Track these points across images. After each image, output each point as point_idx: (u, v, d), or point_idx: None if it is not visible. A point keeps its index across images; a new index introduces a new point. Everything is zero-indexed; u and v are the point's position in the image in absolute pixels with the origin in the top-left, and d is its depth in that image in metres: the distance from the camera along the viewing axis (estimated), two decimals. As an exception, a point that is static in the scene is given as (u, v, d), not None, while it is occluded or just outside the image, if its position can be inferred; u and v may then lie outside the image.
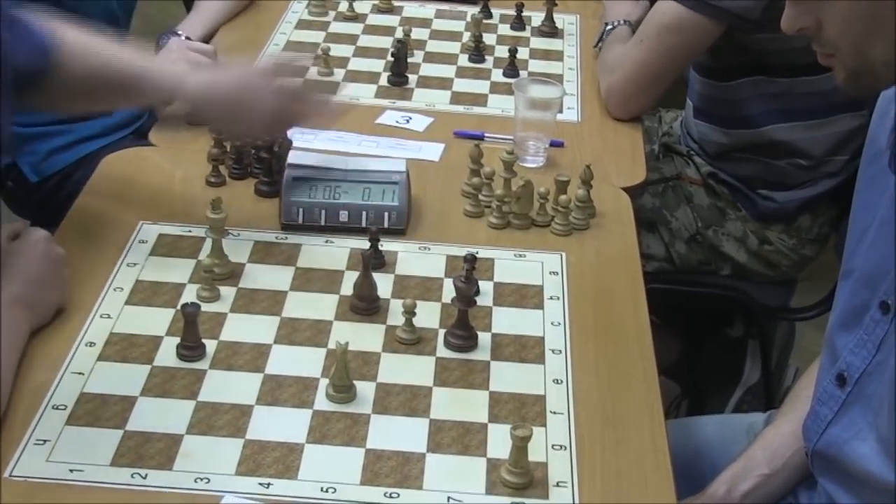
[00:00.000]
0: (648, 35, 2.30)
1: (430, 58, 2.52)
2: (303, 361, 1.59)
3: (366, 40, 2.56)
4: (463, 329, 1.64)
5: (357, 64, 2.47)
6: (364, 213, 1.86)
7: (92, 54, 1.75)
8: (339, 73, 2.42)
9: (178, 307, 1.65)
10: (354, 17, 2.64)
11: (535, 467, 1.43)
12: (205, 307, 1.67)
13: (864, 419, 1.49)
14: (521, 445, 1.40)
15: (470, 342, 1.64)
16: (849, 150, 2.41)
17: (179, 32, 2.41)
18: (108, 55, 1.77)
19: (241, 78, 1.84)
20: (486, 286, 1.76)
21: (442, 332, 1.66)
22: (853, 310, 1.51)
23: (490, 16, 2.68)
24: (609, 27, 2.50)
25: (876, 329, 1.46)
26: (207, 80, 1.82)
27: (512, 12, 2.67)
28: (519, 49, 2.49)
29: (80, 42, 1.75)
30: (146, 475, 1.39)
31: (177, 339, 1.60)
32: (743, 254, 2.49)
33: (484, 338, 1.66)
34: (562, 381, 1.58)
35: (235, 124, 1.85)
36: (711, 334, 2.79)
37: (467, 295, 1.64)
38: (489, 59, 2.52)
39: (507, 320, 1.71)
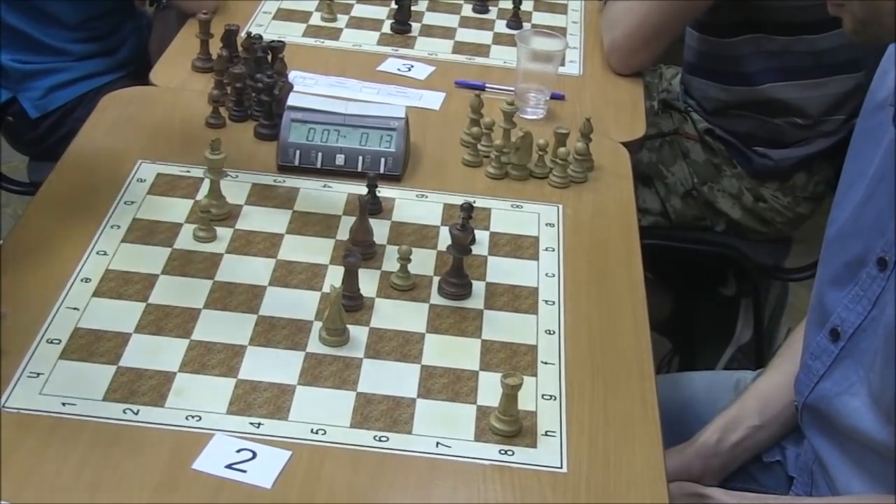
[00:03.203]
0: None
1: (434, 6, 2.51)
2: (297, 304, 1.59)
3: (370, -13, 2.55)
4: (457, 277, 1.65)
5: (360, 10, 2.46)
6: (360, 158, 1.87)
7: None
8: (342, 20, 2.42)
9: (173, 246, 1.66)
10: (359, -37, 2.63)
11: (524, 416, 1.44)
12: (201, 247, 1.68)
13: (856, 374, 1.50)
14: (511, 393, 1.41)
15: (464, 290, 1.65)
16: (845, 109, 2.41)
17: None
18: None
19: None
20: (481, 235, 1.77)
21: (436, 279, 1.66)
22: (846, 265, 1.52)
23: (495, -34, 2.68)
24: None
25: (872, 285, 1.47)
26: None
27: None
28: (523, 1, 2.48)
29: None
30: (138, 411, 1.40)
31: (171, 278, 1.61)
32: (737, 210, 2.50)
33: (478, 286, 1.66)
34: (554, 332, 1.59)
35: None
36: (704, 292, 2.80)
37: (463, 243, 1.65)
38: (493, 10, 2.52)
39: (502, 270, 1.71)
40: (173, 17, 2.60)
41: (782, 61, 2.36)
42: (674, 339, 2.82)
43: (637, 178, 2.04)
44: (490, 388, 1.47)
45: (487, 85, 2.20)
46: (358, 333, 1.55)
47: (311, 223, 1.77)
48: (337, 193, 1.84)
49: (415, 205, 1.84)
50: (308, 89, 2.09)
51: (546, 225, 1.82)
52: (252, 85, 1.99)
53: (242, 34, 2.15)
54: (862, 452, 1.52)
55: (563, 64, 2.23)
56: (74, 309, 1.54)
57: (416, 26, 2.41)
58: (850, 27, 1.37)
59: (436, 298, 1.63)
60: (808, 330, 1.61)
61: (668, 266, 2.59)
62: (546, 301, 1.65)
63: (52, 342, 1.48)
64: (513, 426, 1.42)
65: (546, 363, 1.54)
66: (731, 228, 2.53)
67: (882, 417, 1.46)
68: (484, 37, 2.41)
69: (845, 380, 1.52)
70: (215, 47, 2.12)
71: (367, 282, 1.63)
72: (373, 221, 1.72)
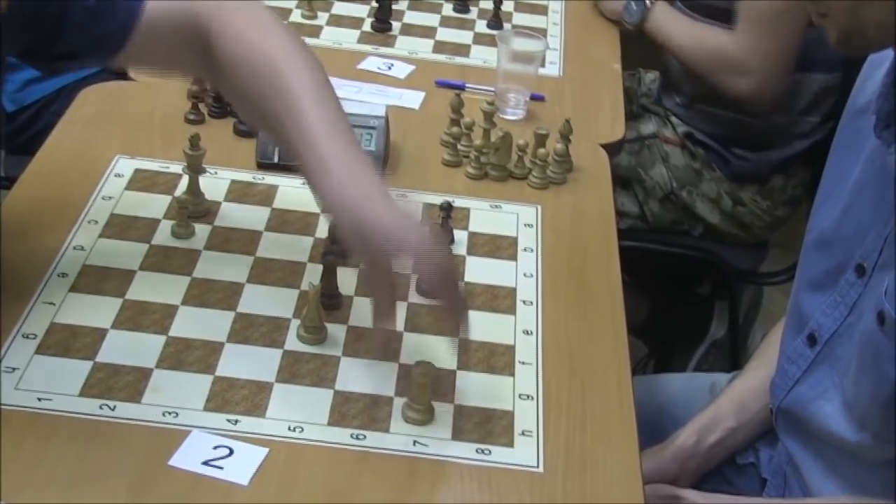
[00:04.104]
0: (768, 21, 2.29)
1: (415, 6, 2.51)
2: (275, 301, 1.59)
3: (351, -15, 2.55)
4: (436, 276, 1.64)
5: (341, 8, 2.47)
6: (342, 157, 1.86)
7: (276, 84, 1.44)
8: (322, 17, 2.42)
9: (150, 242, 1.66)
10: (340, -39, 2.63)
11: (501, 415, 1.44)
12: (179, 243, 1.68)
13: (830, 379, 1.51)
14: (423, 382, 1.41)
15: (442, 290, 1.64)
16: (819, 111, 2.43)
17: None
18: (295, 100, 1.43)
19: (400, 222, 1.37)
20: (460, 235, 1.77)
21: (415, 278, 1.66)
22: (827, 273, 1.53)
23: (476, -34, 2.68)
24: (648, 2, 2.47)
25: (850, 291, 1.48)
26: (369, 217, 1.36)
27: (498, -36, 2.67)
28: (504, 1, 2.49)
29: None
30: (114, 407, 1.39)
31: (149, 274, 1.60)
32: (716, 215, 2.51)
33: (456, 286, 1.66)
34: (532, 333, 1.59)
35: (374, 271, 1.39)
36: (681, 294, 2.82)
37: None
38: (474, 10, 2.52)
39: (481, 270, 1.71)
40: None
41: None
42: (650, 343, 2.83)
43: (616, 181, 2.05)
44: (468, 388, 1.47)
45: (467, 85, 2.20)
46: (336, 331, 1.55)
47: (290, 221, 1.76)
48: (316, 191, 1.83)
49: (394, 204, 1.83)
50: (288, 87, 2.08)
51: (525, 225, 1.82)
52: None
53: (222, 31, 2.14)
54: (835, 455, 1.53)
55: (543, 65, 2.23)
56: (51, 304, 1.54)
57: (396, 25, 2.41)
58: (834, 38, 1.37)
59: (414, 297, 1.63)
60: (786, 334, 1.62)
61: (645, 269, 2.60)
62: (524, 301, 1.65)
63: (28, 337, 1.48)
64: (425, 415, 1.42)
65: (524, 363, 1.54)
66: (708, 233, 2.54)
67: (855, 423, 1.47)
68: (464, 36, 2.42)
69: (820, 384, 1.53)
70: (195, 43, 2.11)
71: (346, 280, 1.63)
72: (352, 220, 1.72)
